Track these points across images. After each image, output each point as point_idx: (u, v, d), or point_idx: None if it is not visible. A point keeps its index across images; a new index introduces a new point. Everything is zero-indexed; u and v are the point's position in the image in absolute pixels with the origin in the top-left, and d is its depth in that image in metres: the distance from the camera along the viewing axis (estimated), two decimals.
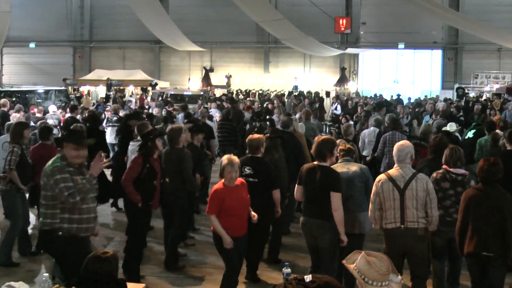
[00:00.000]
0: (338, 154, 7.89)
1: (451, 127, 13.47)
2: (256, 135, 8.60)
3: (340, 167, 7.61)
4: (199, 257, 9.47)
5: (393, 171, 6.87)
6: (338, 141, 8.66)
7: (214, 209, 7.04)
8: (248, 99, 32.99)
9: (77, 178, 6.05)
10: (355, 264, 3.94)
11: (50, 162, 6.22)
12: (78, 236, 6.10)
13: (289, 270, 5.38)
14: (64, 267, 6.26)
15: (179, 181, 8.93)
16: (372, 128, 13.83)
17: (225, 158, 7.20)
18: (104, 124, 17.53)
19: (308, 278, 4.08)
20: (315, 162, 7.35)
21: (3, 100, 19.59)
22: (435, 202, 6.79)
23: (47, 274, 5.25)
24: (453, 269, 7.84)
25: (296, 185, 7.51)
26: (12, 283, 5.21)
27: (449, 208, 7.29)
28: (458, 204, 6.96)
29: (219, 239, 7.07)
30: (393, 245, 6.74)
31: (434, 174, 7.36)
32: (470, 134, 12.87)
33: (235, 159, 7.23)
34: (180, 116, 17.54)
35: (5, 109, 18.25)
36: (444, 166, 7.42)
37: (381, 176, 6.94)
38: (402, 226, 6.70)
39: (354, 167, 7.70)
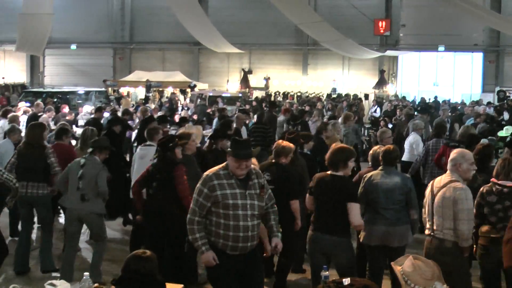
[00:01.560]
0: (380, 159, 7.57)
1: (507, 131, 12.49)
2: (284, 142, 8.23)
3: (379, 176, 7.31)
4: None
5: (440, 177, 6.57)
6: (377, 147, 8.48)
7: None
8: (287, 101, 32.93)
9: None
10: (401, 266, 3.96)
11: (213, 168, 5.99)
12: (224, 252, 5.77)
13: (327, 273, 5.19)
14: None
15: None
16: (415, 135, 13.34)
17: None
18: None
19: (346, 281, 4.10)
20: (328, 172, 6.87)
21: (37, 102, 19.62)
22: (464, 214, 6.16)
23: (87, 273, 5.27)
24: None
25: (307, 194, 7.01)
26: (53, 281, 5.31)
27: (496, 224, 6.55)
28: (506, 220, 6.37)
29: None
30: (426, 256, 5.97)
31: (482, 188, 6.78)
32: None
33: None
34: (215, 120, 16.93)
35: (36, 110, 17.85)
36: (492, 179, 6.73)
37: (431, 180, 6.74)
38: (432, 234, 6.40)
39: (395, 178, 7.30)
